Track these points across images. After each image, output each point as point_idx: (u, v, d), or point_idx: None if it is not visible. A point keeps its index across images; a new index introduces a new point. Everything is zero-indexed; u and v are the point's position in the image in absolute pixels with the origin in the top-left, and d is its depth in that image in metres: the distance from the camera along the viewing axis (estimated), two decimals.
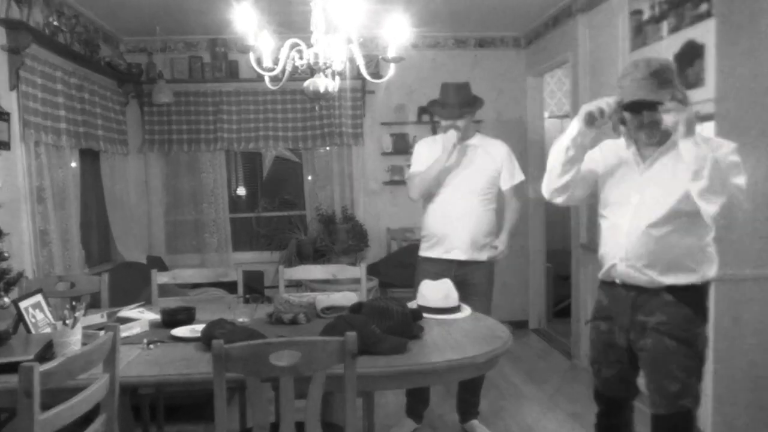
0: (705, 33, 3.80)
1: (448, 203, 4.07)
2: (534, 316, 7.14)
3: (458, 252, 4.06)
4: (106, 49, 6.06)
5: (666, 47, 4.19)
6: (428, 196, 4.16)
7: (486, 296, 4.14)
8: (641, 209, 2.70)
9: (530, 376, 5.46)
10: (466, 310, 3.37)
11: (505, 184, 4.16)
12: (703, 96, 3.81)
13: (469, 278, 4.05)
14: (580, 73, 5.61)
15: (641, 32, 4.55)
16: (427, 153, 4.13)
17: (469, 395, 4.31)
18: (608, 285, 2.89)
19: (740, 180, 2.53)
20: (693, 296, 2.67)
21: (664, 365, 2.66)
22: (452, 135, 3.97)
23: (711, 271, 2.70)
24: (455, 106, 4.01)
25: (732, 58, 3.70)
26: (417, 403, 4.32)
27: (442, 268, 4.02)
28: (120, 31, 6.36)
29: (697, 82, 3.89)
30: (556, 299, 7.28)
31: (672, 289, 2.66)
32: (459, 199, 4.04)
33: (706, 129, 4.27)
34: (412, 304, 3.31)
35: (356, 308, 3.10)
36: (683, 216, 2.61)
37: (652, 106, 2.56)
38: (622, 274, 2.78)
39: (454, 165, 4.04)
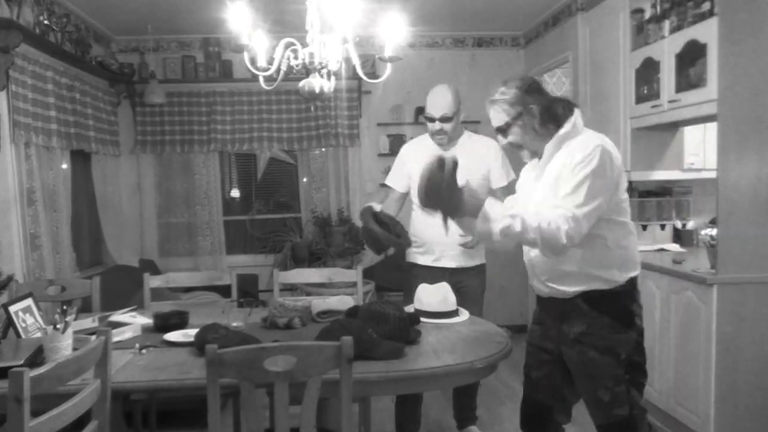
0: (707, 32, 3.81)
1: None
2: None
3: (448, 260, 4.01)
4: (98, 49, 6.06)
5: (667, 46, 4.20)
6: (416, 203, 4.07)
7: (478, 302, 4.09)
8: None
9: None
10: (464, 315, 3.37)
11: (496, 183, 4.05)
12: (705, 97, 3.83)
13: (462, 285, 3.98)
14: (580, 73, 5.63)
15: (642, 31, 4.57)
16: (412, 157, 4.03)
17: (466, 400, 4.29)
18: (537, 295, 2.90)
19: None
20: (610, 302, 2.61)
21: (591, 376, 2.65)
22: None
23: (623, 275, 2.62)
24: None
25: (735, 57, 3.71)
26: (408, 423, 4.17)
27: (435, 275, 3.94)
28: (112, 31, 6.36)
29: (699, 82, 3.90)
30: None
31: (586, 297, 2.62)
32: None
33: (709, 130, 4.30)
34: (409, 309, 3.31)
35: (352, 312, 3.11)
36: None
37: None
38: (534, 289, 2.84)
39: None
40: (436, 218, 3.83)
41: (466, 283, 4.02)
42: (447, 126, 3.91)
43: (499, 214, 2.49)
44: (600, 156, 2.47)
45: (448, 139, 3.97)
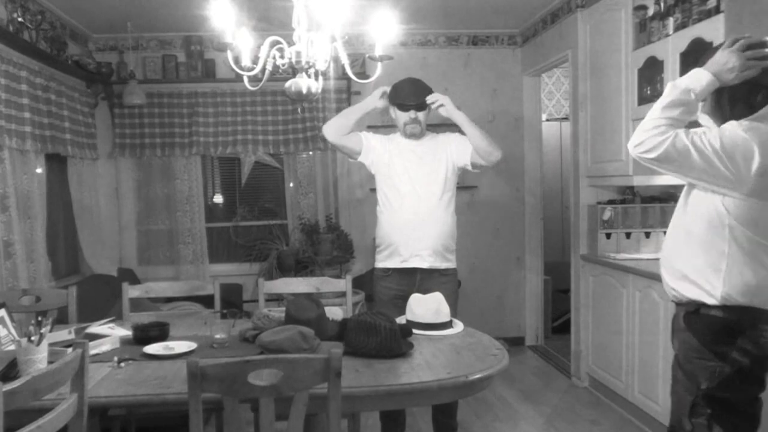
0: (713, 30, 3.83)
1: (405, 207, 4.03)
2: (531, 332, 7.14)
3: (419, 260, 4.02)
4: (74, 48, 6.05)
5: (672, 45, 4.22)
6: (383, 201, 4.15)
7: (451, 308, 4.03)
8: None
9: (527, 395, 5.46)
10: (459, 326, 3.38)
11: (462, 160, 4.12)
12: None
13: (433, 291, 3.79)
14: (579, 73, 5.64)
15: (645, 29, 4.59)
16: (375, 141, 4.24)
17: (445, 417, 4.19)
18: None
19: None
20: (703, 324, 2.44)
21: (675, 398, 2.57)
22: (381, 90, 4.07)
23: (717, 292, 2.40)
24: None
25: None
26: (393, 426, 4.22)
27: (404, 281, 3.99)
28: (89, 28, 6.35)
29: None
30: (555, 314, 7.30)
31: (686, 310, 2.50)
32: (417, 201, 4.01)
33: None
34: (401, 320, 3.32)
35: (342, 325, 3.11)
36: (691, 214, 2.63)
37: None
38: None
39: (405, 164, 4.10)
40: (408, 216, 3.99)
41: (438, 289, 3.82)
42: (421, 115, 4.05)
43: None
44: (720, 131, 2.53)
45: (420, 130, 4.09)
